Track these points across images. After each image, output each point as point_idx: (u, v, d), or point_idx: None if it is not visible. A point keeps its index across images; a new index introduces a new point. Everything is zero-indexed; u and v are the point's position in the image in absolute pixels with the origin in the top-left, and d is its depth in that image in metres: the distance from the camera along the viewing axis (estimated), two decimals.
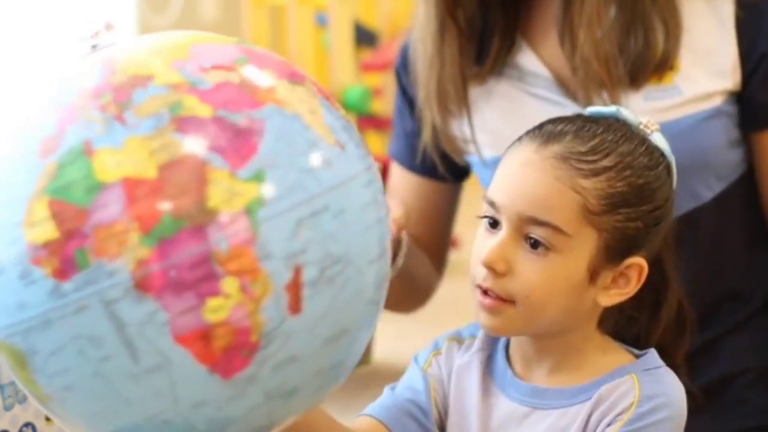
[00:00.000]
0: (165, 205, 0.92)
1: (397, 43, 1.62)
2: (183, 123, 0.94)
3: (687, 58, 1.37)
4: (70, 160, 0.94)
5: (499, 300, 1.14)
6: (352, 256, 0.98)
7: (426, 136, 1.48)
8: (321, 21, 4.44)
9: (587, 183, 1.13)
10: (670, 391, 1.14)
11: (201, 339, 0.93)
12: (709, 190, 1.39)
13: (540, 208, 1.13)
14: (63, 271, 0.93)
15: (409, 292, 1.53)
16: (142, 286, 0.92)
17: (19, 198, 0.94)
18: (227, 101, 0.96)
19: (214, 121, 0.95)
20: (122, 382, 0.94)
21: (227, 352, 0.94)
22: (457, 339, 1.25)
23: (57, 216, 0.93)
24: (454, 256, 1.56)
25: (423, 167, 1.55)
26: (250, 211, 0.93)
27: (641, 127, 1.19)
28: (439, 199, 1.57)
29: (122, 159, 0.93)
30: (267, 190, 0.94)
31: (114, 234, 0.92)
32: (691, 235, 1.35)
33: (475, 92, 1.44)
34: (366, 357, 1.87)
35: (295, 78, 1.01)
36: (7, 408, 1.24)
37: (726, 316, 1.42)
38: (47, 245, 0.93)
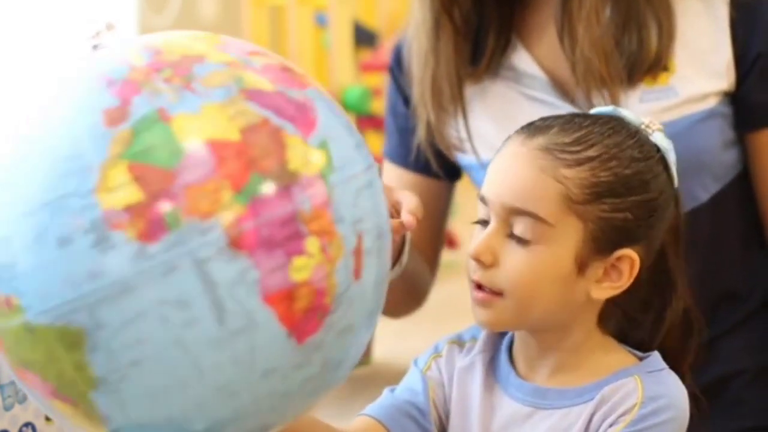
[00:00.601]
0: (252, 165, 0.94)
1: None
2: (251, 94, 0.97)
3: (682, 58, 1.37)
4: (146, 126, 0.94)
5: (490, 293, 1.16)
6: (387, 234, 1.04)
7: (420, 133, 1.48)
8: (321, 21, 4.42)
9: (569, 172, 1.14)
10: (673, 392, 1.14)
11: (286, 299, 0.95)
12: (705, 191, 1.39)
13: (522, 198, 1.15)
14: (150, 233, 0.92)
15: (409, 293, 1.53)
16: (236, 243, 0.93)
17: (87, 166, 0.93)
18: (279, 80, 1.00)
19: (277, 94, 0.98)
20: (202, 349, 0.94)
21: (306, 313, 0.96)
22: (458, 342, 1.25)
23: (140, 179, 0.93)
24: (453, 257, 1.56)
25: (416, 164, 1.54)
26: (323, 175, 0.97)
27: (642, 127, 1.19)
28: (432, 197, 1.56)
29: (202, 124, 0.95)
30: (333, 157, 0.99)
31: (206, 193, 0.93)
32: (687, 236, 1.35)
33: (470, 92, 1.44)
34: (366, 357, 1.86)
35: None
36: (7, 408, 1.23)
37: (723, 316, 1.42)
38: (130, 208, 0.92)
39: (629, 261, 1.15)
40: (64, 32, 3.35)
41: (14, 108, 1.02)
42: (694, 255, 1.37)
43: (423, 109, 1.46)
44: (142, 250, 0.92)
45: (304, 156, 0.97)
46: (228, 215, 0.93)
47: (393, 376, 1.34)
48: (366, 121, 4.05)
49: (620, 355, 1.19)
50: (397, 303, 1.30)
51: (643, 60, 1.36)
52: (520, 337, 1.21)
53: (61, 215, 0.93)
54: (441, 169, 1.51)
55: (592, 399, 1.14)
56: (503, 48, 1.43)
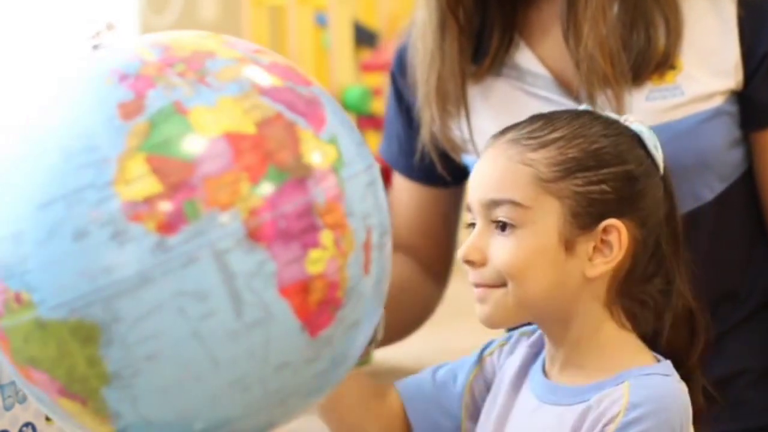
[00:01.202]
0: (269, 158, 0.95)
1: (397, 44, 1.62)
2: (263, 88, 0.98)
3: (689, 57, 1.37)
4: (163, 118, 0.94)
5: (486, 287, 1.16)
6: (389, 232, 1.05)
7: (425, 135, 1.47)
8: (321, 21, 4.41)
9: (536, 155, 1.15)
10: (661, 397, 1.11)
11: (302, 291, 0.95)
12: (710, 191, 1.39)
13: (495, 189, 1.16)
14: (169, 225, 0.92)
15: (400, 334, 1.54)
16: (254, 235, 0.94)
17: (103, 159, 0.93)
18: (288, 76, 1.01)
19: (287, 90, 1.00)
20: (219, 341, 0.94)
21: (320, 305, 0.97)
22: (528, 333, 1.26)
23: (158, 171, 0.93)
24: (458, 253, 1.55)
25: (419, 173, 1.54)
26: (335, 169, 0.99)
27: (622, 121, 1.21)
28: (436, 205, 1.56)
29: (219, 116, 0.95)
30: (342, 153, 1.00)
31: (225, 184, 0.93)
32: (691, 236, 1.35)
33: (472, 91, 1.43)
34: (366, 357, 1.86)
35: None
36: (7, 408, 1.23)
37: (726, 316, 1.42)
38: (149, 200, 0.92)
39: (616, 231, 1.14)
40: (64, 32, 3.35)
41: (23, 104, 1.02)
42: (697, 254, 1.37)
43: (428, 110, 1.45)
44: (161, 242, 0.92)
45: (317, 150, 0.98)
46: (246, 207, 0.94)
47: (393, 375, 1.34)
48: (366, 121, 4.04)
49: (632, 356, 1.16)
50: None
51: (650, 58, 1.36)
52: (541, 331, 1.21)
53: (76, 208, 0.93)
54: (446, 171, 1.50)
55: (585, 401, 1.14)
56: (507, 47, 1.43)
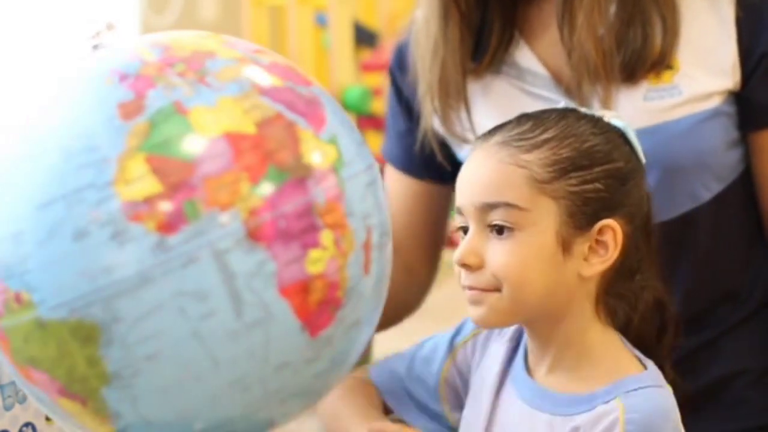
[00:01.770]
0: (269, 158, 0.95)
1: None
2: (263, 88, 0.99)
3: (686, 57, 1.37)
4: (163, 118, 0.94)
5: (481, 290, 1.15)
6: (389, 232, 1.05)
7: (425, 125, 1.48)
8: (321, 21, 4.41)
9: (529, 156, 1.15)
10: (654, 419, 1.11)
11: (301, 291, 0.95)
12: (707, 191, 1.39)
13: (490, 192, 1.15)
14: (169, 225, 0.92)
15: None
16: (254, 235, 0.94)
17: (103, 159, 0.93)
18: (288, 76, 1.01)
19: (287, 90, 1.00)
20: (219, 341, 0.94)
21: (320, 305, 0.97)
22: None
23: (158, 171, 0.93)
24: (453, 256, 1.56)
25: (418, 169, 1.54)
26: (335, 169, 0.99)
27: (604, 118, 1.22)
28: (431, 200, 1.56)
29: (219, 116, 0.95)
30: (342, 153, 1.00)
31: (225, 184, 0.93)
32: (689, 236, 1.34)
33: (473, 87, 1.43)
34: (366, 356, 1.87)
35: None
36: (7, 408, 1.23)
37: (725, 315, 1.42)
38: (149, 200, 0.92)
39: (611, 231, 1.15)
40: (64, 32, 3.35)
41: (23, 104, 1.02)
42: (696, 254, 1.36)
43: (429, 104, 1.45)
44: (161, 242, 0.92)
45: (317, 150, 0.98)
46: (246, 207, 0.94)
47: None
48: (366, 121, 4.05)
49: (619, 361, 1.16)
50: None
51: (646, 56, 1.35)
52: (527, 331, 1.21)
53: (76, 208, 0.93)
54: (446, 160, 1.50)
55: (576, 413, 1.13)
56: (506, 44, 1.43)
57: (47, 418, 1.25)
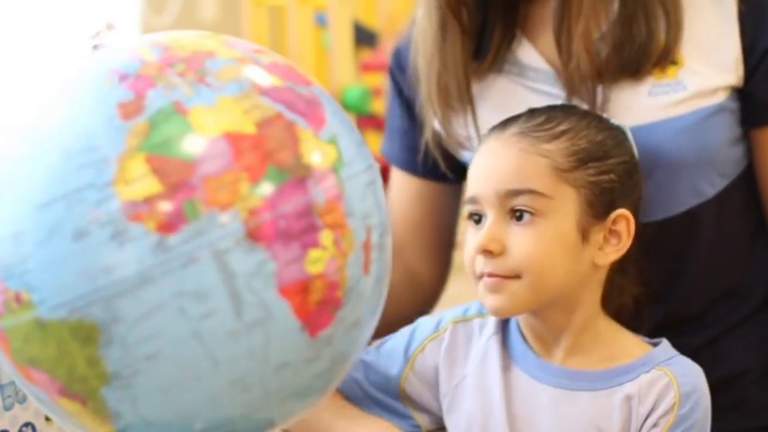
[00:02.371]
0: (269, 158, 0.95)
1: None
2: (263, 88, 0.99)
3: (691, 52, 1.37)
4: (163, 118, 0.94)
5: (501, 277, 1.16)
6: (389, 232, 1.05)
7: (428, 133, 1.47)
8: (321, 21, 4.42)
9: (550, 146, 1.19)
10: (700, 381, 1.19)
11: (301, 291, 0.96)
12: (711, 187, 1.39)
13: (514, 179, 1.18)
14: (169, 225, 0.92)
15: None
16: (253, 235, 0.94)
17: (103, 159, 0.93)
18: (287, 76, 1.02)
19: (287, 90, 1.00)
20: (219, 341, 0.94)
21: (319, 305, 0.97)
22: (463, 319, 1.26)
23: (158, 171, 0.93)
24: (456, 256, 1.56)
25: (423, 168, 1.54)
26: (335, 169, 0.99)
27: (599, 113, 1.27)
28: (439, 200, 1.56)
29: (219, 116, 0.95)
30: (342, 153, 1.00)
31: (225, 184, 0.94)
32: (693, 232, 1.35)
33: (474, 89, 1.43)
34: None
35: None
36: (7, 408, 1.23)
37: (727, 313, 1.42)
38: (149, 200, 0.92)
39: (625, 221, 1.20)
40: (64, 32, 3.35)
41: (23, 104, 1.01)
42: (698, 251, 1.37)
43: (430, 109, 1.45)
44: (161, 241, 0.92)
45: (317, 150, 0.98)
46: (246, 207, 0.94)
47: None
48: (366, 121, 4.05)
49: (631, 339, 1.22)
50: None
51: (651, 52, 1.35)
52: (523, 319, 1.22)
53: (76, 208, 0.93)
54: (449, 169, 1.49)
55: (620, 384, 1.17)
56: (508, 43, 1.43)
57: (47, 418, 1.25)
